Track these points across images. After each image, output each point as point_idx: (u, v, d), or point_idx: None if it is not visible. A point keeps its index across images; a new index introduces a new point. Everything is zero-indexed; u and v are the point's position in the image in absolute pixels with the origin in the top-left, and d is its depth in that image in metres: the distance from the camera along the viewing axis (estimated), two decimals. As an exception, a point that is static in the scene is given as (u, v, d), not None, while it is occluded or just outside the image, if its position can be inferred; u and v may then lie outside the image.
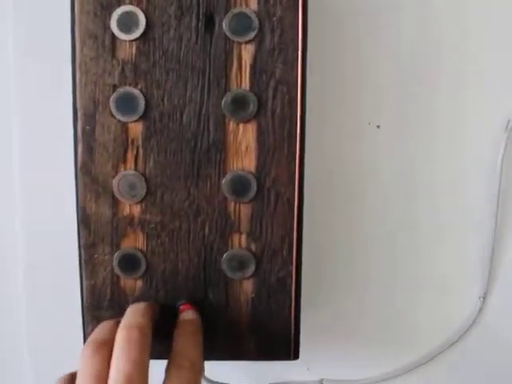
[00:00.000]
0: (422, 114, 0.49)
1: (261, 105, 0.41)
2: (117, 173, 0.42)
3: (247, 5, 0.41)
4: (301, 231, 0.43)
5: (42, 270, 0.51)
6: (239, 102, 0.41)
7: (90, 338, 0.39)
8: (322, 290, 0.52)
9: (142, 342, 0.37)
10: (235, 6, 0.41)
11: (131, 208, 0.43)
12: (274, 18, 0.41)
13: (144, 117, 0.41)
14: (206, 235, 0.43)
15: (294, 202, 0.42)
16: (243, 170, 0.42)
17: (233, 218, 0.43)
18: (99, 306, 0.44)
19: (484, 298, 0.52)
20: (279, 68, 0.41)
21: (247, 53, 0.41)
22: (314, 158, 0.46)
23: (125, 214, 0.43)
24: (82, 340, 0.44)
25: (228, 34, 0.41)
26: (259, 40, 0.41)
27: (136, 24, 0.41)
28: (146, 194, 0.42)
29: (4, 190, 0.51)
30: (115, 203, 0.42)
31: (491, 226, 0.50)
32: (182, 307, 0.43)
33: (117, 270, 0.43)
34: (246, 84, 0.41)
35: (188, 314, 0.42)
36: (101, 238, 0.43)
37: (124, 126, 0.42)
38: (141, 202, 0.42)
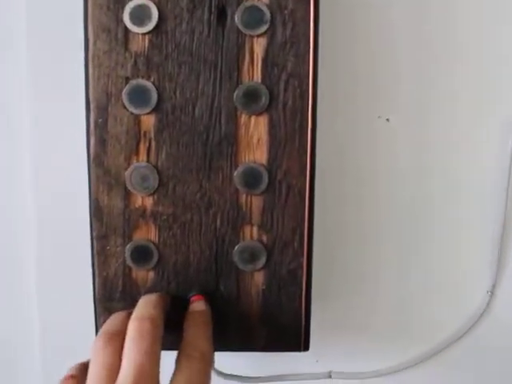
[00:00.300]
0: (437, 103, 0.50)
1: (272, 98, 0.42)
2: (129, 165, 0.42)
3: (259, -2, 0.41)
4: (312, 223, 0.43)
5: (54, 262, 0.52)
6: (251, 95, 0.41)
7: (102, 330, 0.40)
8: (333, 282, 0.52)
9: (153, 334, 0.38)
10: (247, -1, 0.41)
11: (143, 200, 0.43)
12: (286, 11, 0.41)
13: (156, 109, 0.42)
14: (217, 227, 0.43)
15: (306, 193, 0.42)
16: (255, 162, 0.42)
17: (244, 210, 0.43)
18: (111, 298, 0.44)
19: (492, 292, 0.52)
20: (291, 61, 0.41)
21: (259, 46, 0.41)
22: (325, 150, 0.46)
23: (137, 205, 0.43)
24: (93, 331, 0.44)
25: (240, 27, 0.41)
26: (271, 33, 0.41)
27: (149, 17, 0.41)
28: (158, 186, 0.43)
29: (17, 181, 0.51)
30: (127, 195, 0.43)
31: (500, 220, 0.50)
32: (192, 298, 0.43)
33: (129, 262, 0.43)
34: (257, 77, 0.42)
35: (198, 305, 0.43)
36: (113, 230, 0.43)
37: (136, 119, 0.42)
38: (153, 194, 0.43)
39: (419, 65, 0.49)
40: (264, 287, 0.44)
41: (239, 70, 0.42)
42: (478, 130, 0.50)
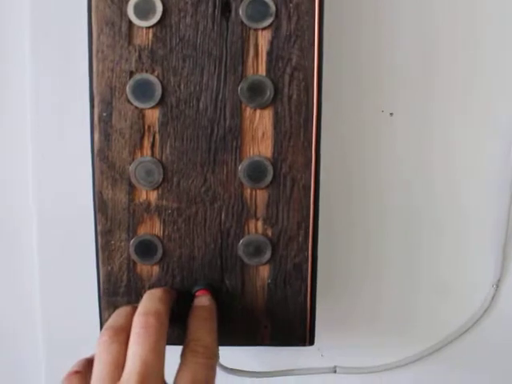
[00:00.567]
0: (441, 98, 0.49)
1: (277, 91, 0.42)
2: (133, 159, 0.42)
3: (264, -9, 0.41)
4: (317, 217, 0.43)
5: (58, 257, 0.52)
6: (256, 89, 0.41)
7: (107, 325, 0.40)
8: (338, 276, 0.52)
9: (158, 329, 0.38)
10: (251, -8, 0.41)
11: (148, 194, 0.43)
12: (291, 5, 0.41)
13: (161, 103, 0.42)
14: (222, 221, 0.43)
15: (310, 187, 0.42)
16: (260, 156, 0.42)
17: (249, 203, 0.43)
18: (115, 293, 0.44)
19: (497, 285, 0.52)
20: (296, 54, 0.41)
21: (264, 39, 0.41)
22: (330, 144, 0.46)
23: (141, 200, 0.43)
24: (98, 326, 0.44)
25: (244, 20, 0.41)
26: (276, 26, 0.41)
27: (153, 11, 0.41)
28: (163, 180, 0.42)
29: (20, 174, 0.51)
30: (132, 189, 0.43)
31: (504, 215, 0.50)
32: (197, 293, 0.43)
33: (133, 256, 0.43)
34: (262, 70, 0.41)
35: (202, 300, 0.43)
36: (117, 225, 0.43)
37: (141, 113, 0.42)
38: (157, 188, 0.43)
39: (423, 59, 0.49)
40: (269, 281, 0.44)
41: (244, 63, 0.41)
42: (481, 123, 0.50)
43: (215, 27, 0.41)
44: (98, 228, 0.43)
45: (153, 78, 0.41)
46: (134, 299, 0.44)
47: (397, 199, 0.51)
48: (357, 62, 0.49)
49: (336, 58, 0.47)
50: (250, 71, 0.41)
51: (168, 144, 0.42)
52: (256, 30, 0.41)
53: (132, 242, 0.43)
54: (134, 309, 0.40)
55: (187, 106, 0.42)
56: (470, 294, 0.52)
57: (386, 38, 0.48)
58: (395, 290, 0.52)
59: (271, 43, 0.41)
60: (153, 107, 0.42)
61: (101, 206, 0.43)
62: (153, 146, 0.42)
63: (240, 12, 0.41)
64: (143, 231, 0.43)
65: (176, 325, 0.41)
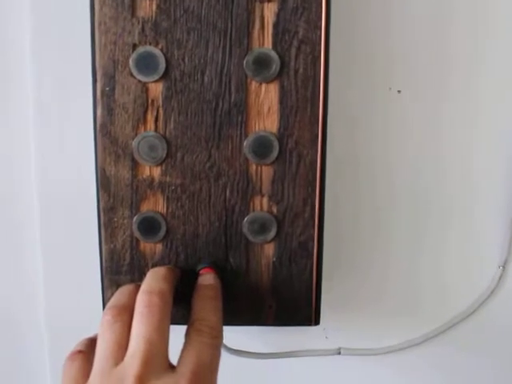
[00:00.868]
0: (454, 77, 0.49)
1: (283, 65, 0.41)
2: (136, 134, 0.41)
3: (270, -39, 0.40)
4: (323, 194, 0.42)
5: (60, 234, 0.51)
6: (261, 62, 0.41)
7: (110, 304, 0.39)
8: (344, 255, 0.51)
9: (162, 308, 0.37)
10: (258, -38, 0.40)
11: (151, 170, 0.42)
12: (298, -24, 0.40)
13: (164, 77, 0.41)
14: (227, 198, 0.42)
15: (317, 163, 0.42)
16: (265, 131, 0.41)
17: (254, 180, 0.42)
18: (118, 271, 0.43)
19: (504, 266, 0.51)
20: (302, 27, 0.40)
21: (270, 11, 0.40)
22: (337, 120, 0.46)
23: (144, 176, 0.42)
24: (100, 305, 0.44)
25: (250, -9, 0.40)
26: (282, -2, 0.40)
27: (156, -19, 0.40)
28: (167, 155, 0.42)
29: (22, 150, 0.50)
30: (135, 165, 0.42)
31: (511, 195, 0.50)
32: (201, 271, 0.43)
33: (136, 234, 0.43)
34: (268, 43, 0.41)
35: (206, 279, 0.42)
36: (120, 201, 0.42)
37: (144, 87, 0.41)
38: (161, 164, 0.42)
39: (432, 36, 0.48)
40: (274, 259, 0.43)
41: (249, 36, 0.41)
42: (492, 99, 0.49)
43: (220, -1, 0.40)
44: (101, 205, 0.43)
45: (156, 51, 0.41)
46: (137, 277, 0.43)
47: (405, 177, 0.50)
48: (365, 37, 0.48)
49: (344, 33, 0.46)
50: (255, 44, 0.41)
51: (172, 119, 0.41)
52: (262, 1, 0.40)
53: (135, 219, 0.42)
54: (137, 287, 0.39)
55: (191, 80, 0.41)
56: (477, 275, 0.52)
57: (395, 13, 0.48)
58: (402, 269, 0.52)
59: (277, 15, 0.40)
60: (156, 81, 0.41)
61: (103, 183, 0.42)
62: (156, 120, 0.41)
63: (246, -17, 0.40)
64: (146, 208, 0.42)
65: (180, 304, 0.40)
